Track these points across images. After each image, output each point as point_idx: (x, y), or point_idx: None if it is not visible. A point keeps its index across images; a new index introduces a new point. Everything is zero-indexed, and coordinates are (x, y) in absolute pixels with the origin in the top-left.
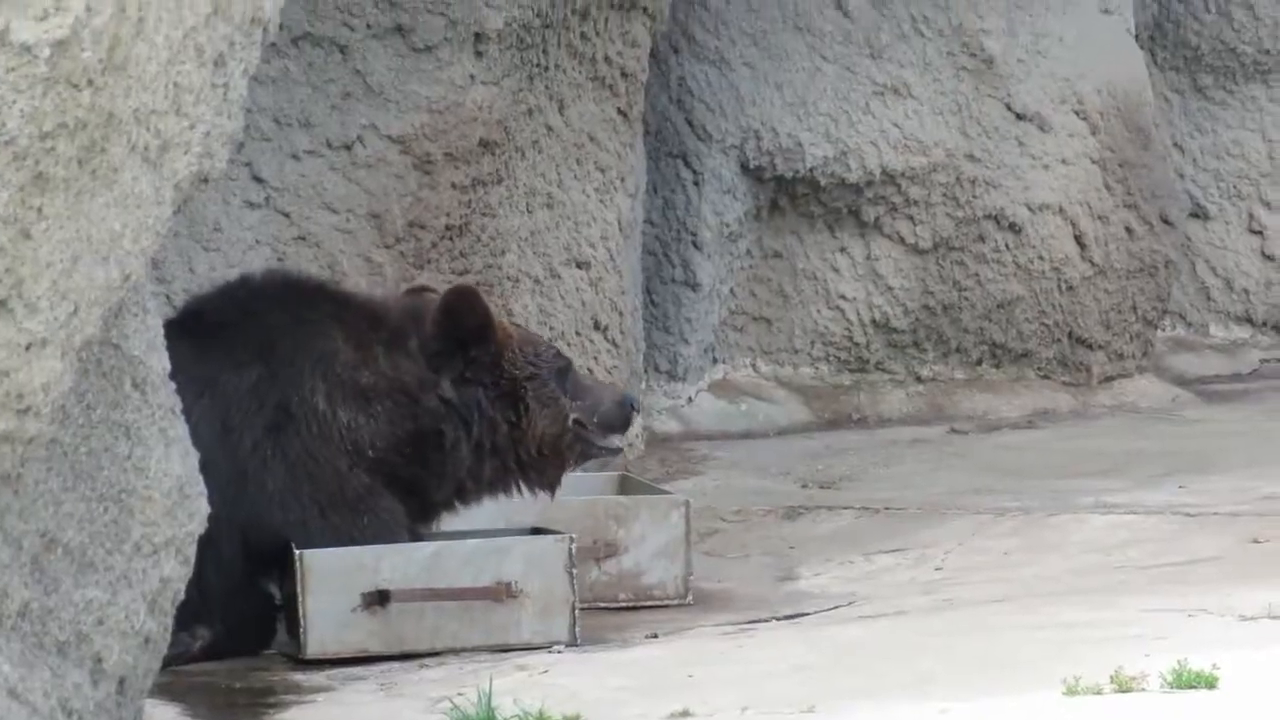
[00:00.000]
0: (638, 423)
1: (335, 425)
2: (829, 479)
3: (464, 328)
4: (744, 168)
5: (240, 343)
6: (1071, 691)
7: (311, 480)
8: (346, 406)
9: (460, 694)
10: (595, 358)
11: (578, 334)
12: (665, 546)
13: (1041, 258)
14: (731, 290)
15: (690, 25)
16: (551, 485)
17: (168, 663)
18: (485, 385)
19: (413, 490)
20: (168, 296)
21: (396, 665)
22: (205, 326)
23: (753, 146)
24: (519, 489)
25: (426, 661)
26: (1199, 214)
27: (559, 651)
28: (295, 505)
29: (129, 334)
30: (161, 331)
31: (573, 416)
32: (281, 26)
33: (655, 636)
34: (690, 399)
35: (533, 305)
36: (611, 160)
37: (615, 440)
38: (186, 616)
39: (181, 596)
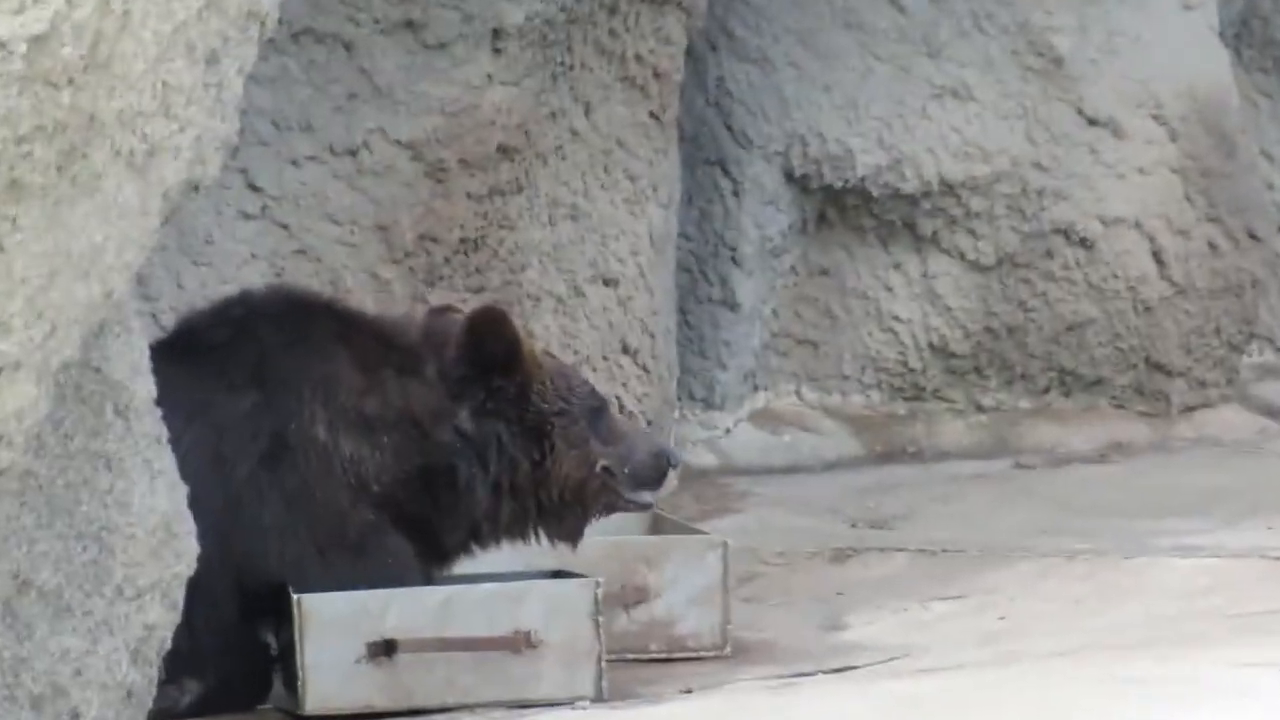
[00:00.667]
0: (673, 478)
1: (337, 457)
2: (881, 518)
3: (489, 354)
4: (788, 176)
5: (234, 365)
6: None
7: (310, 517)
8: (349, 437)
9: None
10: (624, 384)
11: (605, 358)
12: (701, 592)
13: (1116, 276)
14: (774, 311)
15: (730, 21)
16: (572, 535)
17: (152, 718)
18: (509, 419)
19: (422, 530)
20: (154, 315)
21: None
22: (196, 347)
23: (798, 153)
24: (537, 536)
25: (437, 719)
26: None
27: (584, 708)
28: (293, 544)
29: (111, 356)
30: (147, 353)
31: (601, 463)
32: (280, 21)
33: (690, 692)
34: (728, 430)
35: (555, 326)
36: (643, 168)
37: (646, 495)
38: (173, 667)
39: (168, 645)
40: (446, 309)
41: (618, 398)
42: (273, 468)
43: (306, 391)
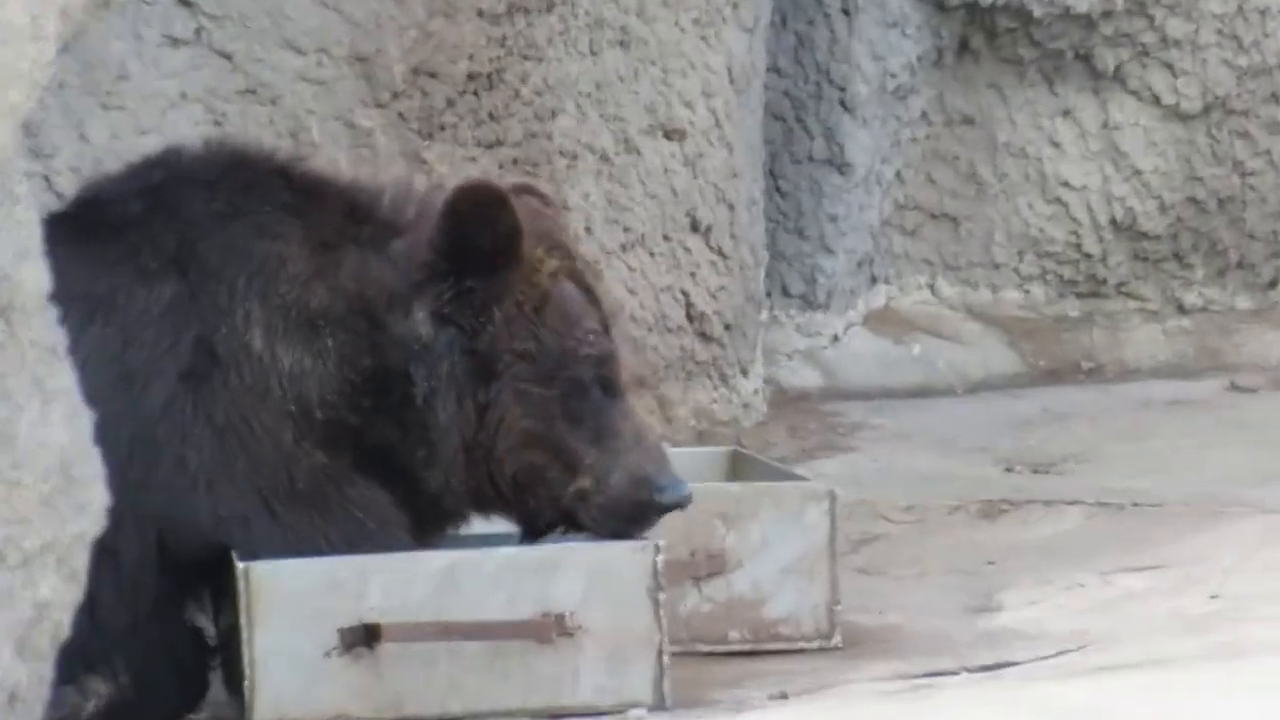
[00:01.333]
0: (677, 493)
1: (274, 373)
2: (1046, 459)
3: (472, 245)
4: None
5: (150, 246)
6: None
7: (249, 457)
8: (289, 343)
9: None
10: (692, 274)
11: (665, 238)
12: (799, 560)
13: None
14: (898, 174)
15: None
16: (526, 530)
17: None
18: (466, 335)
19: (394, 472)
20: (46, 179)
21: None
22: (103, 223)
23: None
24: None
25: None
26: None
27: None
28: (229, 494)
29: None
30: (38, 231)
31: (563, 463)
32: None
33: (784, 697)
34: (836, 337)
35: (597, 194)
36: None
37: (611, 529)
38: (76, 662)
39: (68, 632)
40: (490, 191)
41: (684, 295)
42: (197, 389)
43: (241, 282)
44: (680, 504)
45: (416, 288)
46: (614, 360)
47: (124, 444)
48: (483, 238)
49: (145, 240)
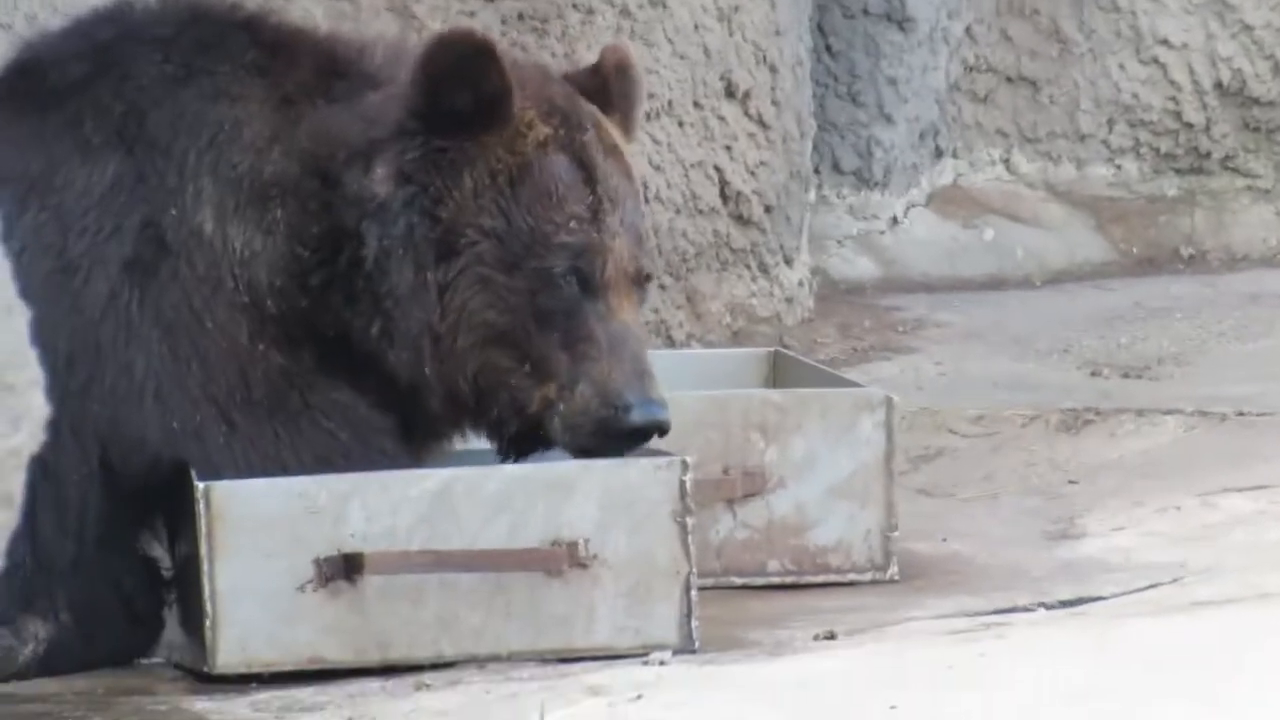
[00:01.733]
0: (646, 414)
1: (226, 260)
2: (1138, 362)
3: (449, 100)
4: None
5: (94, 114)
6: None
7: (201, 361)
8: (241, 222)
9: None
10: (728, 147)
11: (697, 104)
12: (849, 479)
13: None
14: (968, 30)
15: None
16: (489, 435)
17: None
18: (426, 192)
19: (363, 367)
20: None
21: (374, 686)
22: (44, 88)
23: None
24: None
25: (428, 679)
26: None
27: (662, 664)
28: (182, 404)
29: None
30: None
31: (525, 369)
32: None
33: (832, 637)
34: (895, 220)
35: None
36: None
37: (578, 447)
38: (11, 599)
39: (1, 564)
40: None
41: (719, 172)
42: (143, 281)
43: (192, 156)
44: (649, 428)
45: (379, 144)
46: (597, 252)
47: (63, 347)
48: (460, 95)
49: (88, 108)
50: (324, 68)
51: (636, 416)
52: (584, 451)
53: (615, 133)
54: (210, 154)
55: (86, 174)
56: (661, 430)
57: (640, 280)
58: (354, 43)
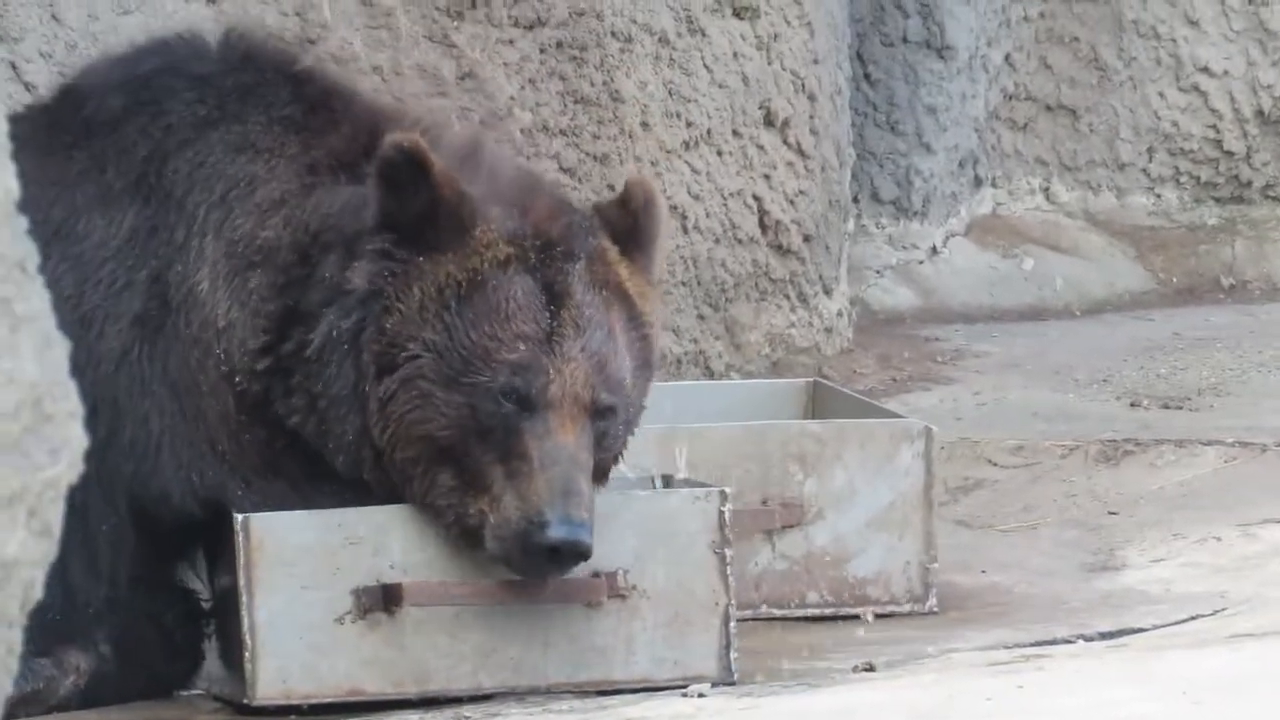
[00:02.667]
0: (561, 534)
1: (213, 325)
2: (1178, 392)
3: (405, 207)
4: None
5: (117, 158)
6: None
7: (205, 423)
8: (228, 287)
9: None
10: (766, 176)
11: (735, 134)
12: (889, 510)
13: None
14: (1008, 58)
15: None
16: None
17: (17, 709)
18: (380, 297)
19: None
20: (14, 66)
21: (413, 718)
22: (78, 122)
23: None
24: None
25: (467, 711)
26: None
27: (701, 696)
28: (196, 460)
29: None
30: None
31: (457, 478)
32: None
33: (871, 669)
34: (934, 249)
35: (656, 83)
36: None
37: (508, 562)
38: (50, 632)
39: (39, 595)
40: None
41: (756, 202)
42: (152, 336)
43: (202, 211)
44: (564, 547)
45: (364, 237)
46: (539, 371)
47: (86, 397)
48: (408, 206)
49: (113, 150)
50: (362, 140)
51: (553, 534)
52: (508, 564)
53: (622, 271)
54: (219, 210)
55: (105, 223)
56: (579, 552)
57: (595, 410)
58: (407, 118)
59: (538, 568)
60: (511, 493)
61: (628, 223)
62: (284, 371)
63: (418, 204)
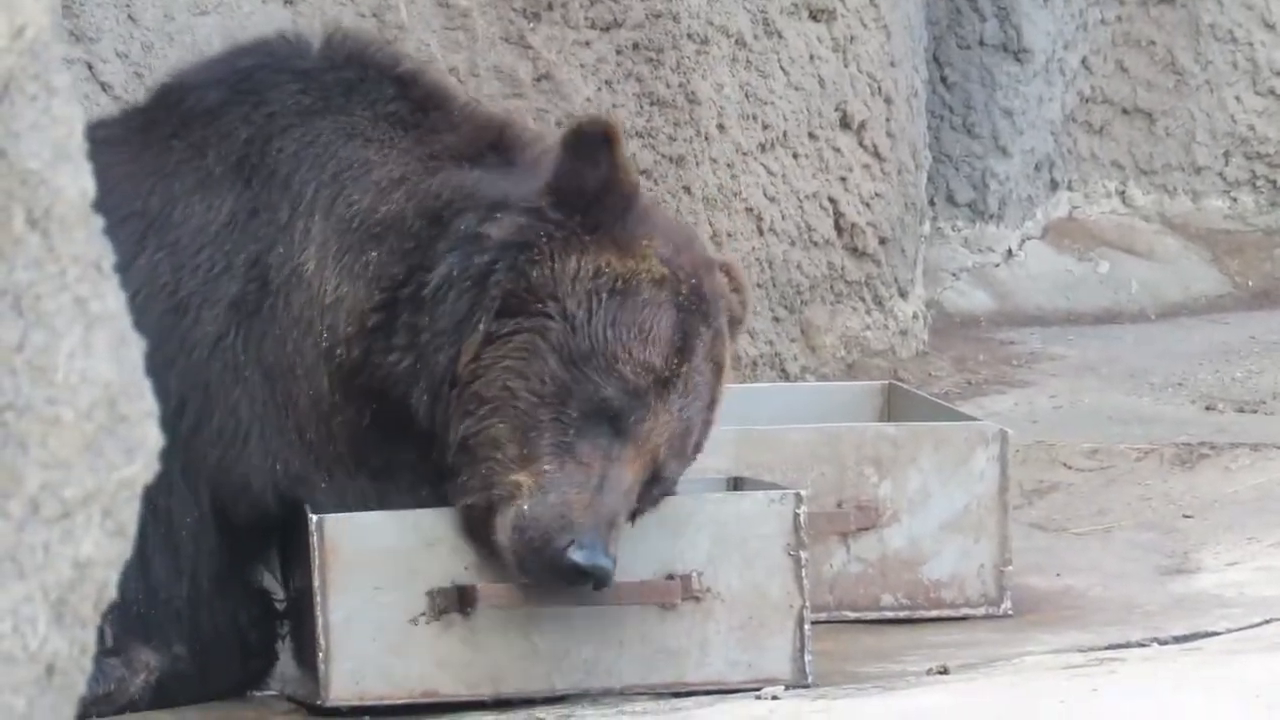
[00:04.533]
0: (586, 557)
1: (318, 303)
2: (1254, 396)
3: (580, 174)
4: None
5: (218, 143)
6: None
7: (295, 409)
8: (338, 264)
9: None
10: (842, 179)
11: (811, 136)
12: (964, 513)
13: None
14: (1085, 62)
15: None
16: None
17: (90, 709)
18: (529, 249)
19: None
20: (90, 66)
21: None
22: (177, 116)
23: None
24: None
25: (540, 713)
26: None
27: (775, 699)
28: (283, 448)
29: (20, 132)
30: (80, 129)
31: (512, 480)
32: None
33: (945, 672)
34: (1010, 253)
35: (732, 84)
36: None
37: (515, 557)
38: (124, 631)
39: (113, 595)
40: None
41: (832, 204)
42: (248, 321)
43: (310, 190)
44: (588, 571)
45: (507, 202)
46: (646, 407)
47: (174, 389)
48: (590, 178)
49: (214, 135)
50: (484, 139)
51: (576, 556)
52: (516, 559)
53: (728, 357)
54: (331, 189)
55: (204, 209)
56: (599, 577)
57: (656, 467)
58: (529, 130)
59: (549, 578)
60: (558, 493)
61: (738, 311)
62: (391, 320)
63: (595, 179)
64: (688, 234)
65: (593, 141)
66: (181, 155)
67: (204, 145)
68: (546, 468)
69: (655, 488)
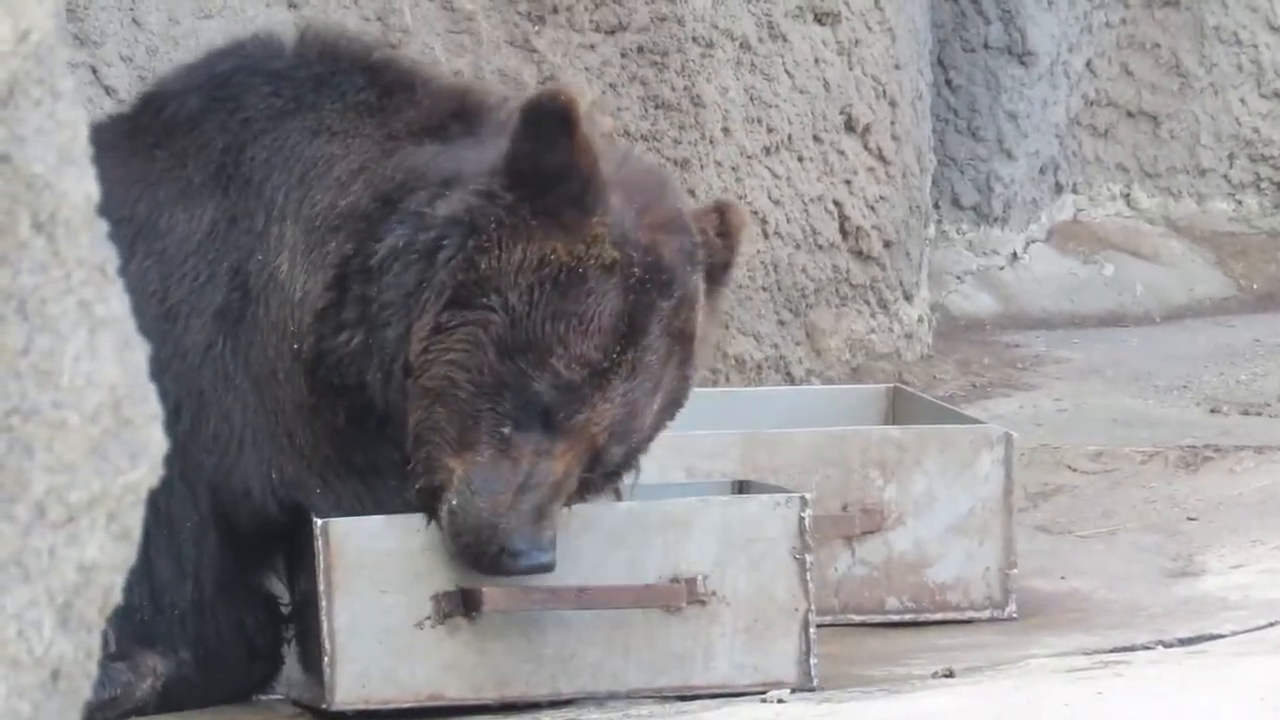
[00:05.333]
0: (529, 561)
1: (290, 304)
2: (1259, 398)
3: (538, 152)
4: None
5: (197, 154)
6: None
7: (282, 414)
8: (305, 262)
9: None
10: (847, 182)
11: (816, 139)
12: (969, 516)
13: None
14: (1089, 65)
15: None
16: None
17: (96, 714)
18: (476, 233)
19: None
20: (94, 70)
21: None
22: (159, 124)
23: None
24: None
25: (546, 717)
26: None
27: (780, 702)
28: (276, 454)
29: (25, 135)
30: (84, 131)
31: (450, 428)
32: None
33: (951, 675)
34: (1015, 255)
35: (737, 88)
36: None
37: (446, 539)
38: (130, 636)
39: (118, 599)
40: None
41: (836, 207)
42: (234, 329)
43: (280, 196)
44: (523, 572)
45: (458, 180)
46: (574, 401)
47: (170, 394)
48: (546, 160)
49: (193, 146)
50: (445, 109)
51: (525, 563)
52: (459, 559)
53: (700, 316)
54: (298, 191)
55: (187, 218)
56: (540, 572)
57: (595, 451)
58: (493, 94)
59: (494, 573)
60: (487, 498)
61: (724, 257)
62: (341, 298)
63: (551, 162)
64: (655, 189)
65: (551, 119)
66: (164, 164)
67: (184, 155)
68: (479, 459)
69: (598, 469)
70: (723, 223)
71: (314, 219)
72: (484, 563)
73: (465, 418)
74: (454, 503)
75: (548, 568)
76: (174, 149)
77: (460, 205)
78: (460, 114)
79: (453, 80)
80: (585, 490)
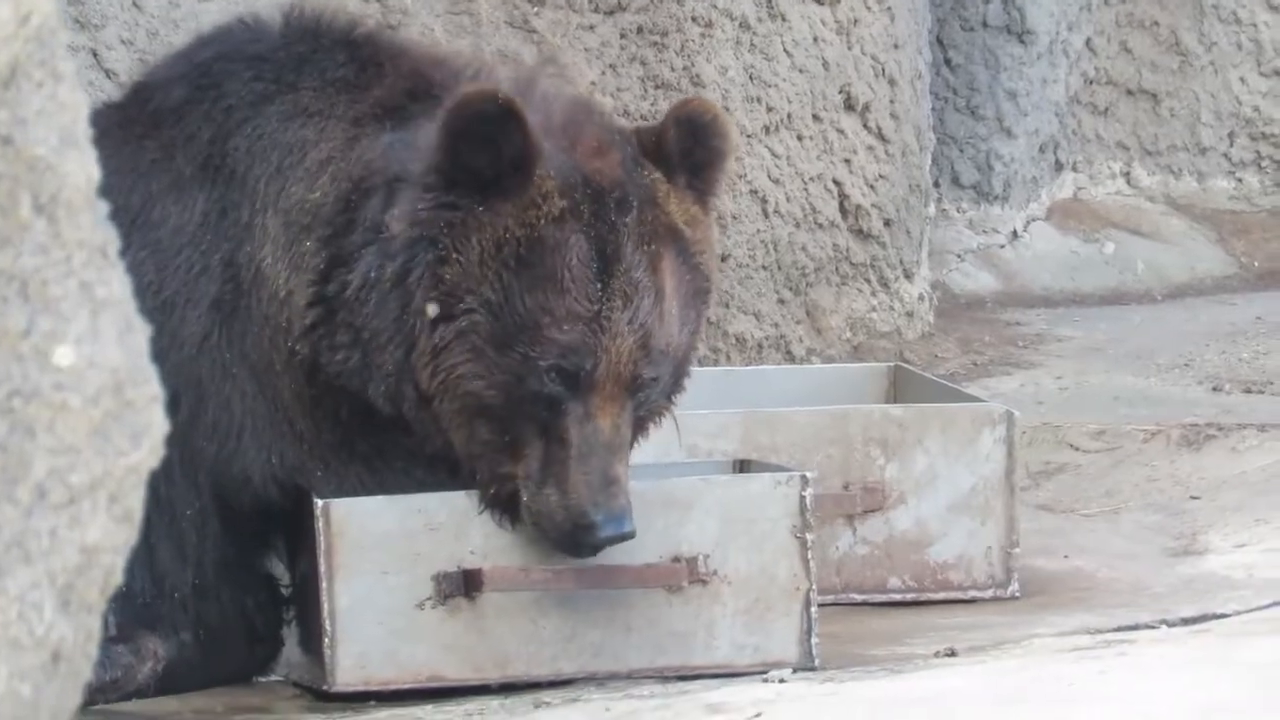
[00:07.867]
0: (615, 530)
1: (277, 299)
2: (1260, 376)
3: (469, 161)
4: None
5: (185, 144)
6: None
7: (281, 403)
8: (285, 255)
9: None
10: (846, 161)
11: (816, 118)
12: (970, 495)
13: None
14: (1089, 43)
15: None
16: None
17: (97, 696)
18: (434, 245)
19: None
20: (95, 54)
21: (493, 704)
22: (147, 114)
23: None
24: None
25: (547, 697)
26: None
27: (782, 681)
28: (277, 441)
29: (26, 118)
30: (84, 113)
31: (500, 439)
32: None
33: (953, 654)
34: (1015, 234)
35: (736, 68)
36: None
37: (536, 533)
38: (131, 618)
39: (119, 580)
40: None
41: (837, 186)
42: (229, 320)
43: (262, 185)
44: (614, 542)
45: (406, 181)
46: (588, 353)
47: (168, 382)
48: (479, 156)
49: (180, 137)
50: (411, 88)
51: (602, 535)
52: (547, 530)
53: (673, 206)
54: (276, 182)
55: (179, 210)
56: (625, 540)
57: (636, 384)
58: (453, 64)
59: (582, 554)
60: (553, 483)
61: (684, 145)
62: (329, 317)
63: (483, 154)
64: (578, 118)
65: (485, 121)
66: (154, 155)
67: (172, 146)
68: (529, 452)
69: (649, 394)
70: (678, 117)
71: (290, 211)
72: (575, 548)
73: (502, 421)
74: (528, 504)
75: (628, 536)
76: (162, 140)
77: (408, 217)
78: (415, 93)
79: (427, 53)
80: (647, 422)
